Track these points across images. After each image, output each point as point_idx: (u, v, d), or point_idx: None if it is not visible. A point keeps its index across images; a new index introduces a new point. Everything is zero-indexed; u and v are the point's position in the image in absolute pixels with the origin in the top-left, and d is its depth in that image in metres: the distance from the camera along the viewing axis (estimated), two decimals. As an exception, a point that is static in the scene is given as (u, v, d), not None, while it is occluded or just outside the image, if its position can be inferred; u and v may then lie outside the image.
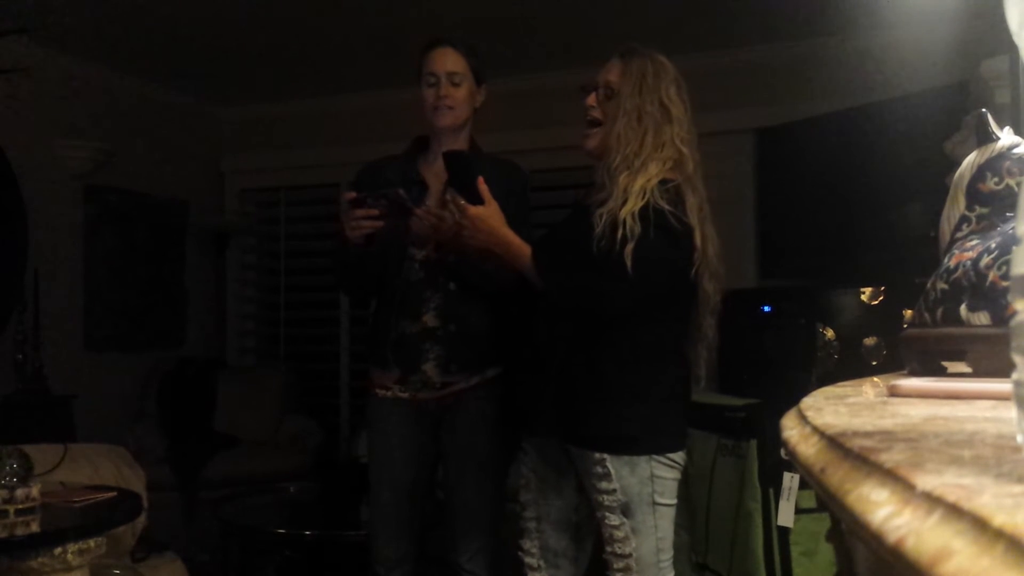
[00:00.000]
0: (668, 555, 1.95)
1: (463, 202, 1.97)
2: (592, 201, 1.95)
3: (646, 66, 1.95)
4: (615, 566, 1.91)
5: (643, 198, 1.84)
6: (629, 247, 1.80)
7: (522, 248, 1.95)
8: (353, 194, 2.06)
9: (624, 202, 1.84)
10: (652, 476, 1.88)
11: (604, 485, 1.88)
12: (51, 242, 4.08)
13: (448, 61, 2.20)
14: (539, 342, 1.99)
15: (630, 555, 1.89)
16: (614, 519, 1.89)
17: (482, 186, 1.99)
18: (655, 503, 1.89)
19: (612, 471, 1.87)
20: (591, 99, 1.99)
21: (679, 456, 1.95)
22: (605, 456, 1.87)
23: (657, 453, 1.89)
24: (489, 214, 1.96)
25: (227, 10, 3.68)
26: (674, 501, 1.95)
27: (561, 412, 1.94)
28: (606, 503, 1.89)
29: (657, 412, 1.92)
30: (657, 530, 1.91)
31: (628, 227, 1.81)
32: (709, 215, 1.95)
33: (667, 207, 1.84)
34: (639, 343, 1.92)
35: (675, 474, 1.94)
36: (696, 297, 1.95)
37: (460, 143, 2.26)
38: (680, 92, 1.98)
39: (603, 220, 1.84)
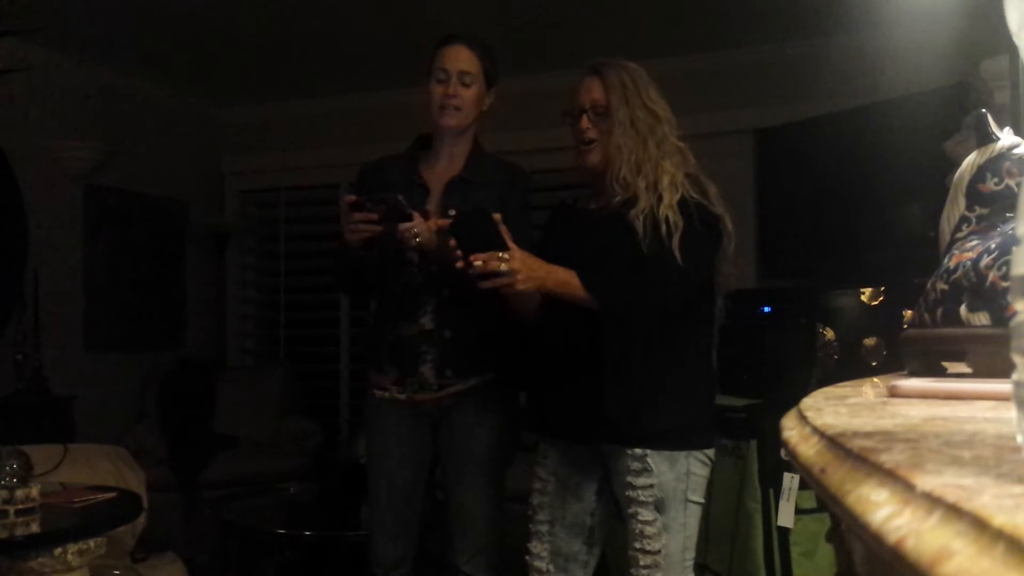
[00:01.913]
0: (692, 554, 1.96)
1: (499, 254, 1.80)
2: (600, 208, 1.95)
3: (623, 75, 1.97)
4: (642, 562, 1.90)
5: (677, 192, 1.87)
6: (676, 240, 1.83)
7: (567, 274, 1.87)
8: (352, 198, 2.04)
9: (660, 199, 1.86)
10: (688, 472, 1.90)
11: (642, 480, 1.88)
12: (51, 242, 4.08)
13: (461, 59, 2.16)
14: (590, 346, 1.94)
15: (659, 552, 1.89)
16: (647, 515, 1.89)
17: (505, 232, 1.85)
18: (687, 500, 1.91)
19: (652, 466, 1.88)
20: (584, 122, 1.98)
21: (712, 452, 1.97)
22: (647, 452, 1.88)
23: (695, 448, 1.92)
24: (527, 254, 1.86)
25: (227, 11, 3.68)
26: (703, 500, 1.96)
27: (603, 412, 1.90)
28: (641, 498, 1.89)
29: (697, 408, 1.96)
30: (686, 528, 1.92)
31: (672, 222, 1.84)
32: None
33: (700, 199, 1.89)
34: (677, 340, 1.94)
35: (706, 472, 1.96)
36: (715, 285, 1.99)
37: (464, 144, 2.24)
38: (657, 91, 2.00)
39: (642, 221, 1.86)
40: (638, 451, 1.89)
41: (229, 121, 5.23)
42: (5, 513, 1.92)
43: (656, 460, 1.88)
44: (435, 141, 2.26)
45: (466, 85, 2.16)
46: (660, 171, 1.89)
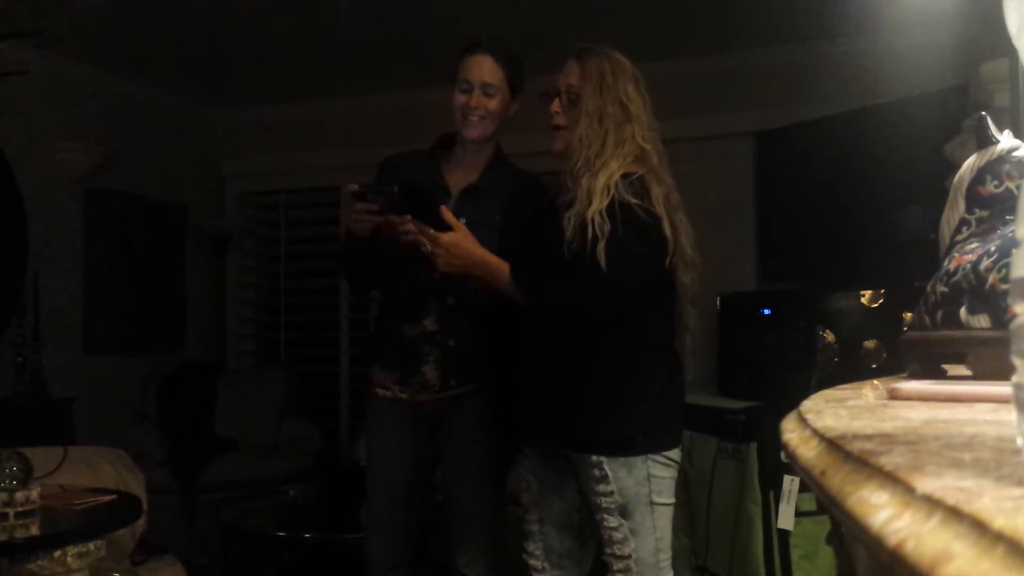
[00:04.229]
0: (667, 555, 1.96)
1: (432, 231, 1.94)
2: (559, 204, 1.95)
3: (604, 65, 1.95)
4: (615, 567, 1.92)
5: (608, 195, 1.84)
6: (600, 245, 1.80)
7: (500, 267, 1.95)
8: (355, 187, 2.03)
9: (590, 203, 1.84)
10: (649, 476, 1.89)
11: (602, 487, 1.89)
12: (51, 245, 4.08)
13: (485, 71, 2.14)
14: (531, 350, 2.00)
15: (629, 556, 1.90)
16: (612, 521, 1.90)
17: (446, 214, 1.98)
18: (652, 503, 1.90)
19: (609, 473, 1.88)
20: (555, 105, 1.99)
21: (675, 454, 1.95)
22: (602, 459, 1.88)
23: (653, 452, 1.90)
24: (461, 239, 1.95)
25: (227, 14, 3.68)
26: (671, 500, 1.96)
27: (557, 418, 1.94)
28: (604, 505, 1.90)
29: (652, 412, 1.93)
30: (655, 530, 1.91)
31: (597, 225, 1.81)
32: (680, 204, 1.94)
33: (633, 200, 1.84)
34: (630, 344, 1.93)
35: (671, 472, 1.95)
36: (674, 289, 1.96)
37: (485, 153, 2.23)
38: (639, 88, 1.97)
39: (572, 223, 1.85)
40: (594, 458, 1.89)
41: (229, 124, 5.23)
42: (5, 515, 1.92)
43: (613, 467, 1.88)
44: (457, 145, 2.25)
45: (489, 96, 2.14)
46: (603, 171, 1.87)
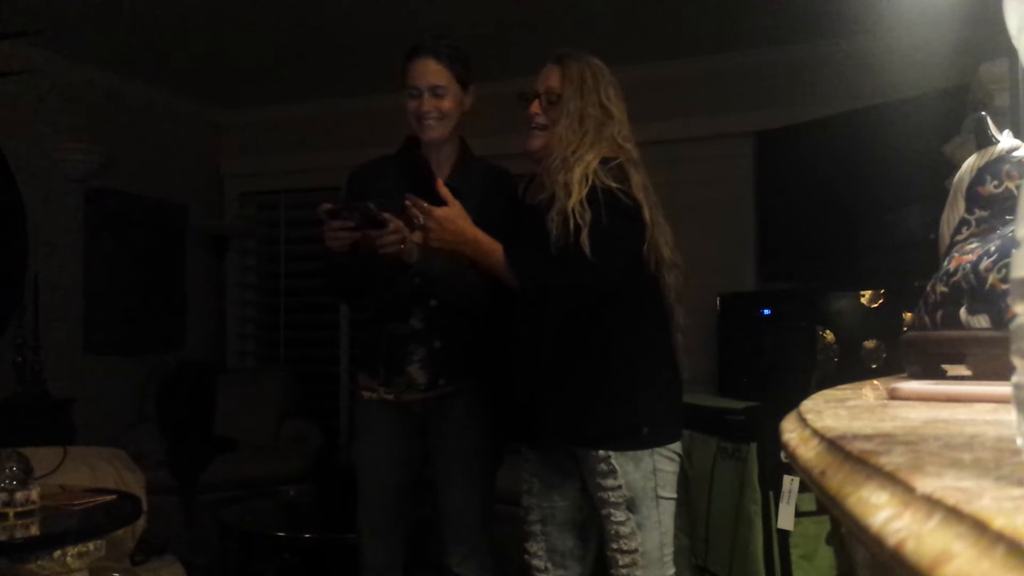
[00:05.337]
0: (670, 549, 1.98)
1: (426, 204, 1.93)
2: (538, 203, 1.96)
3: (584, 70, 1.98)
4: (621, 562, 1.92)
5: (587, 183, 1.85)
6: (584, 234, 1.82)
7: (492, 245, 1.94)
8: (329, 206, 2.01)
9: (569, 195, 1.85)
10: (655, 470, 1.91)
11: (609, 482, 1.90)
12: (51, 245, 4.08)
13: (430, 74, 2.12)
14: (528, 348, 1.99)
15: (636, 550, 1.91)
16: (620, 515, 1.90)
17: (441, 188, 1.97)
18: (658, 496, 1.92)
19: (617, 467, 1.89)
20: (535, 106, 2.01)
21: (678, 447, 1.98)
22: (610, 453, 1.89)
23: (658, 445, 1.92)
24: (455, 214, 1.94)
25: (227, 15, 3.68)
26: (675, 495, 1.98)
27: (560, 415, 1.94)
28: (611, 499, 1.90)
29: (654, 405, 1.94)
30: (660, 524, 1.93)
31: (578, 215, 1.82)
32: (658, 204, 1.96)
33: (614, 184, 1.86)
34: (626, 340, 1.94)
35: (674, 467, 1.97)
36: (660, 290, 1.98)
37: (450, 150, 2.23)
38: (617, 93, 2.00)
39: (555, 222, 1.86)
40: (601, 453, 1.90)
41: (229, 124, 5.23)
42: (5, 516, 1.92)
43: (620, 461, 1.89)
44: (423, 148, 2.25)
45: (439, 96, 2.13)
46: (578, 163, 1.88)
